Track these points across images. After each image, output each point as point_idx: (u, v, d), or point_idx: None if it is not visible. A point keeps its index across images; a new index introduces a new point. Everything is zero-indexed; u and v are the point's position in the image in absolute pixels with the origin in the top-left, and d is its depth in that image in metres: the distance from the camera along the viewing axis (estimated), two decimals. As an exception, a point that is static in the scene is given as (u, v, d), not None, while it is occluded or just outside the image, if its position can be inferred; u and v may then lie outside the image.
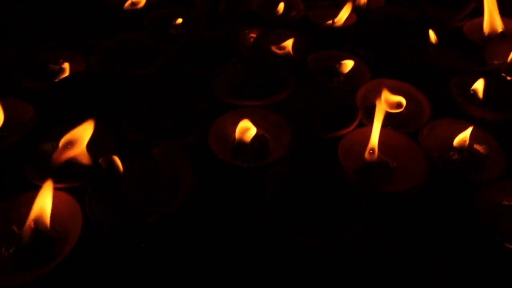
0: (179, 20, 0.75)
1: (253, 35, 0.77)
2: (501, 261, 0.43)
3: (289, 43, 0.67)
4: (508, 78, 0.64)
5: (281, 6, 0.79)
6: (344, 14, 0.75)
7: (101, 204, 0.43)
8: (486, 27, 0.72)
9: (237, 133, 0.52)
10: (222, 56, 0.66)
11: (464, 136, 0.52)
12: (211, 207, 0.48)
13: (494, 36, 0.71)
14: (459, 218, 0.47)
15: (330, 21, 0.77)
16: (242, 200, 0.47)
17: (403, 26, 0.75)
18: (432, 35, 0.71)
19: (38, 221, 0.41)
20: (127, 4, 0.78)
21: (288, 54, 0.67)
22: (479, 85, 0.57)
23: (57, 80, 0.59)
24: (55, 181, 0.45)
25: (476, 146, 0.54)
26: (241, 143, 0.52)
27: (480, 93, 0.57)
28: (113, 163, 0.45)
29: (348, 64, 0.64)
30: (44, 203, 0.42)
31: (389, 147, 0.52)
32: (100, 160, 0.46)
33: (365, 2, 0.82)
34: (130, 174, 0.46)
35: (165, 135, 0.54)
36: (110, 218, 0.42)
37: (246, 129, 0.52)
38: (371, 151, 0.51)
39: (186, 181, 0.44)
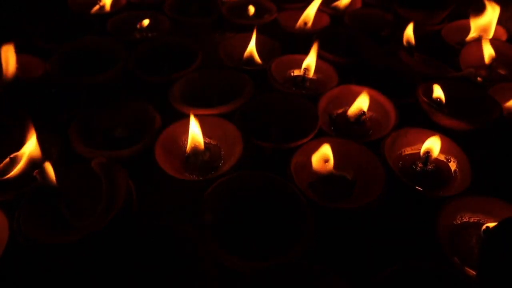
0: (146, 21, 0.72)
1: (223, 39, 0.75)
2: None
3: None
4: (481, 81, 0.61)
5: (251, 10, 0.77)
6: (310, 13, 0.72)
7: (30, 219, 0.40)
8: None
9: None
10: (185, 61, 0.63)
11: (429, 145, 0.49)
12: (152, 222, 0.45)
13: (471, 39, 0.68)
14: (417, 236, 0.44)
15: (302, 24, 0.74)
16: (185, 217, 0.44)
17: (376, 30, 0.72)
18: (408, 38, 0.68)
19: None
20: (94, 9, 0.76)
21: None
22: (439, 93, 0.53)
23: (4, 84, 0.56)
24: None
25: (442, 158, 0.51)
26: (192, 153, 0.50)
27: (443, 101, 0.53)
28: (48, 176, 0.43)
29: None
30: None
31: (348, 159, 0.49)
32: (34, 172, 0.43)
33: (346, 4, 0.79)
34: (66, 187, 0.44)
35: (114, 145, 0.51)
36: (36, 235, 0.39)
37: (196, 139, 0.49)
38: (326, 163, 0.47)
39: (121, 195, 0.42)
